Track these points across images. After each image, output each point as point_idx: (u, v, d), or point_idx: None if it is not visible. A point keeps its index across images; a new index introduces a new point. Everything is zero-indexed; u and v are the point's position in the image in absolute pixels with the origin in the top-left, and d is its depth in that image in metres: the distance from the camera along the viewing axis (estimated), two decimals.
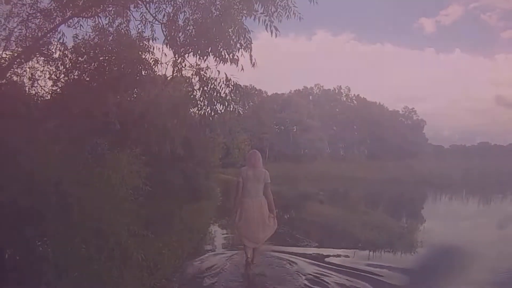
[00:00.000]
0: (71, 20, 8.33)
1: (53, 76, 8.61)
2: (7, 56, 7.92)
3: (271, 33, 7.24)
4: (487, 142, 44.89)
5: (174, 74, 8.69)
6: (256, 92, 42.33)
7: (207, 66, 8.12)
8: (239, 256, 7.45)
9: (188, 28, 8.13)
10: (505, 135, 42.47)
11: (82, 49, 8.66)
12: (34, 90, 8.51)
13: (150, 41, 8.82)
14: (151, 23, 8.61)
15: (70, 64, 8.65)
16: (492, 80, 48.69)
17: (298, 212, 14.57)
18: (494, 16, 51.21)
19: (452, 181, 25.68)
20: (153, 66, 9.09)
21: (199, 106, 8.57)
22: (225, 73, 7.86)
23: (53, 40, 8.47)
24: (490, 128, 44.13)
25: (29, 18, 8.01)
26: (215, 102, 8.17)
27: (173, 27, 8.21)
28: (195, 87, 8.46)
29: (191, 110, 9.34)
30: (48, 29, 8.22)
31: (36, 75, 8.48)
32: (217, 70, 7.91)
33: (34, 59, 8.44)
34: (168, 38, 8.29)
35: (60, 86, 8.70)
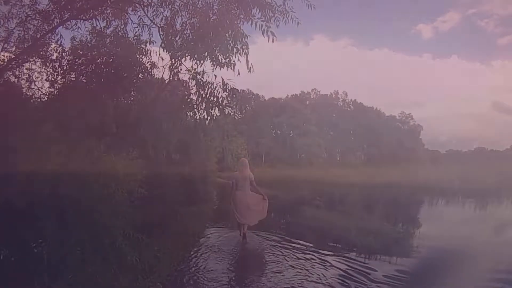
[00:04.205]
0: (69, 22, 8.34)
1: (50, 77, 8.62)
2: (5, 57, 7.93)
3: (268, 38, 7.24)
4: (483, 147, 45.05)
5: (171, 78, 8.67)
6: (253, 97, 42.42)
7: (204, 70, 8.11)
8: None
9: (185, 32, 8.15)
10: (502, 140, 42.68)
11: (79, 51, 8.67)
12: (31, 91, 8.52)
13: (148, 44, 8.83)
14: (148, 26, 8.63)
15: (67, 66, 8.66)
16: (489, 86, 48.95)
17: (294, 217, 14.54)
18: (491, 22, 51.55)
19: (449, 186, 25.74)
20: (150, 70, 9.10)
21: (195, 110, 8.58)
22: (221, 78, 7.86)
23: (51, 41, 8.49)
24: (487, 133, 44.29)
25: (28, 19, 8.02)
26: (212, 106, 8.16)
27: (171, 30, 8.22)
28: (192, 91, 8.45)
29: (187, 114, 9.33)
30: (46, 30, 8.23)
31: (33, 76, 8.49)
32: (214, 75, 7.89)
33: (31, 61, 8.44)
34: (165, 41, 8.29)
35: (57, 87, 8.70)
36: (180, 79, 8.53)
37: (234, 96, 8.04)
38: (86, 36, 8.70)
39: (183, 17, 8.15)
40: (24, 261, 4.93)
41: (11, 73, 8.29)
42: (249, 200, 9.35)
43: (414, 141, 44.43)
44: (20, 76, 8.44)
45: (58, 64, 8.61)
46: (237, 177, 9.44)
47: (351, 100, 46.08)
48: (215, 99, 8.04)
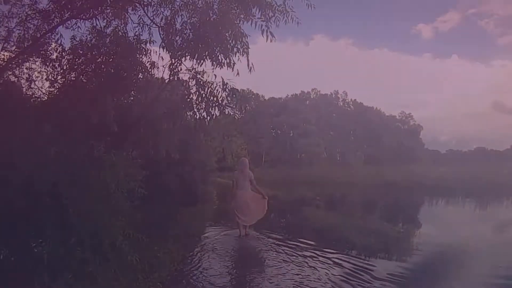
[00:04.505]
0: (69, 22, 8.32)
1: (50, 77, 8.60)
2: (5, 57, 7.92)
3: (267, 38, 7.20)
4: (483, 147, 45.22)
5: (171, 78, 8.65)
6: (253, 96, 42.45)
7: (204, 70, 8.10)
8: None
9: (185, 31, 8.13)
10: (502, 140, 42.81)
11: (79, 50, 8.65)
12: (31, 91, 8.51)
13: (148, 44, 8.81)
14: (148, 26, 8.60)
15: (67, 66, 8.64)
16: (489, 86, 49.06)
17: (295, 217, 14.55)
18: (491, 22, 51.70)
19: (449, 186, 25.74)
20: (150, 69, 9.09)
21: (195, 110, 8.58)
22: (221, 77, 7.84)
23: (51, 41, 8.48)
24: (487, 133, 44.48)
25: (28, 18, 8.01)
26: (212, 106, 8.14)
27: (171, 30, 8.21)
28: (192, 91, 8.44)
29: (187, 114, 9.31)
30: (46, 30, 8.22)
31: (33, 76, 8.48)
32: (214, 74, 7.87)
33: (31, 60, 8.44)
34: (165, 41, 8.28)
35: (57, 87, 8.69)
36: (180, 78, 8.51)
37: (234, 96, 8.02)
38: (86, 36, 8.68)
39: (183, 17, 8.13)
40: (24, 261, 4.91)
41: (11, 73, 8.29)
42: (249, 198, 9.66)
43: (414, 141, 44.51)
44: (20, 75, 8.43)
45: (58, 63, 8.60)
46: (237, 176, 9.81)
47: (351, 100, 46.23)
48: (215, 98, 8.03)
